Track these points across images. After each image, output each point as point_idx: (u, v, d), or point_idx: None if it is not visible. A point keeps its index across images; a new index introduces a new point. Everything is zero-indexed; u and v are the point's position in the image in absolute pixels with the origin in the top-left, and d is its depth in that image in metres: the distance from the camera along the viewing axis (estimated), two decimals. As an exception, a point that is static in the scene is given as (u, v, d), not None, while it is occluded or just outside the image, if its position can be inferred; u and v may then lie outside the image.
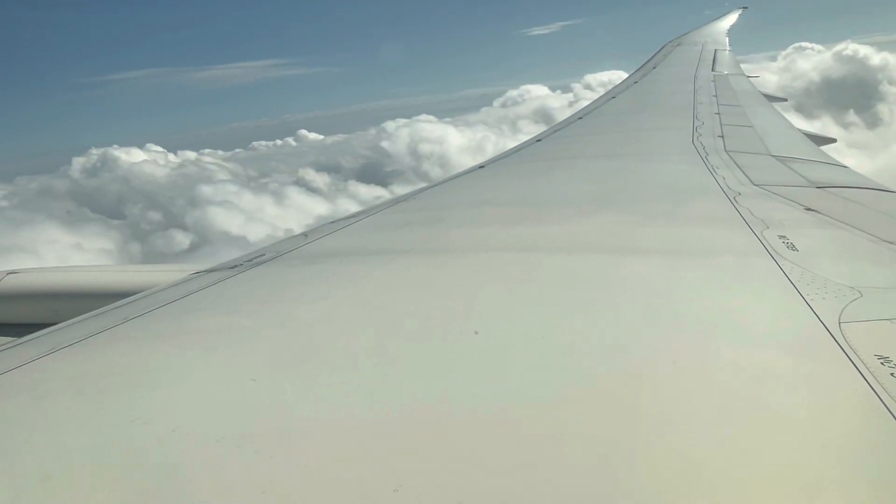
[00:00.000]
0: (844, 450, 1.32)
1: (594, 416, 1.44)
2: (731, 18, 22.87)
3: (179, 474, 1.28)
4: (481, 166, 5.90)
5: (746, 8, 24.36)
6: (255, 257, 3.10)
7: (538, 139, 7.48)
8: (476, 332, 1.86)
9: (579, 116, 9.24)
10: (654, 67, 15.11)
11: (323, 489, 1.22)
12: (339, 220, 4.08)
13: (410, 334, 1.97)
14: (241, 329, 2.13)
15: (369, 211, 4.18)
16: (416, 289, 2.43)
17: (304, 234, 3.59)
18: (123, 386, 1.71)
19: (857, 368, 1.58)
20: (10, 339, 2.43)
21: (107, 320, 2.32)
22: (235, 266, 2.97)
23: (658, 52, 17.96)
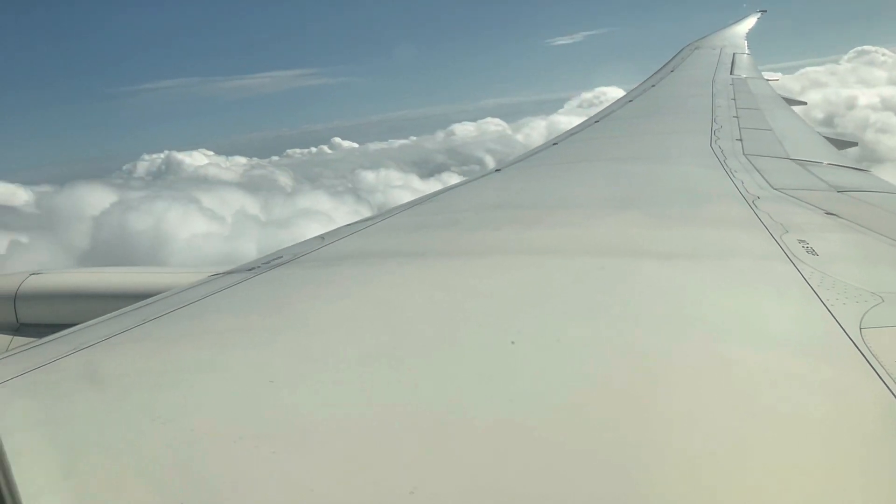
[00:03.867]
0: (865, 456, 1.31)
1: (613, 420, 1.43)
2: (750, 22, 22.70)
3: (197, 473, 1.29)
4: (497, 169, 5.89)
5: (765, 11, 24.19)
6: (273, 259, 3.12)
7: (555, 142, 7.46)
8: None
9: (596, 120, 9.20)
10: (673, 70, 15.02)
11: (339, 490, 1.22)
12: (355, 222, 4.09)
13: (427, 337, 1.97)
14: (259, 330, 2.15)
15: (386, 214, 4.20)
16: (433, 291, 2.44)
17: (321, 237, 3.61)
18: (143, 386, 1.73)
19: (879, 375, 1.56)
20: (31, 339, 2.46)
21: (127, 321, 2.35)
22: (253, 268, 2.99)
23: (676, 55, 17.85)
